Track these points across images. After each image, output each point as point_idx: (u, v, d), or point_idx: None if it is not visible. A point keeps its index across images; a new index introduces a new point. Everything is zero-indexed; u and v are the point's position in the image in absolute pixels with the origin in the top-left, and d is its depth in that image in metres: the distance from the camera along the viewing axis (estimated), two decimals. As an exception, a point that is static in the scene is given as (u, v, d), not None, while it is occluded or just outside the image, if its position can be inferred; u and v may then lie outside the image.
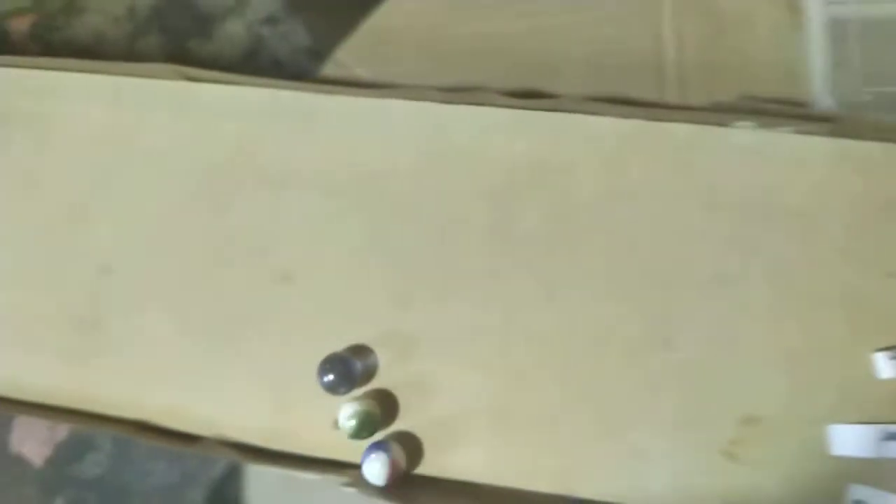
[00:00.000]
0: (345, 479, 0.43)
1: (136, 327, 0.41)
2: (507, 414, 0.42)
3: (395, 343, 0.41)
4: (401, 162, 0.40)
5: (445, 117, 0.40)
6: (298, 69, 0.84)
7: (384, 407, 0.45)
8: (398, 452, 0.47)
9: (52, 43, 0.86)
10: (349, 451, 0.42)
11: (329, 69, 0.41)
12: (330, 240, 0.39)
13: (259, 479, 0.59)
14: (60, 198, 0.42)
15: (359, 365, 0.43)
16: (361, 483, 0.41)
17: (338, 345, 0.41)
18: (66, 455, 0.82)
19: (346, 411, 0.43)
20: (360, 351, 0.45)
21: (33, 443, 0.82)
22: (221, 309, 0.41)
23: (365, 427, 0.44)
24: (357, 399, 0.45)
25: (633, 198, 0.41)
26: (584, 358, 0.42)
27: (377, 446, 0.45)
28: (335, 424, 0.45)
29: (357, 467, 0.42)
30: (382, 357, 0.42)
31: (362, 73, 0.41)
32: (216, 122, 0.40)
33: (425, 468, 0.46)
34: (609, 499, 0.43)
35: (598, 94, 0.40)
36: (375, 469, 0.42)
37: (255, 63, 0.85)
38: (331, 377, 0.42)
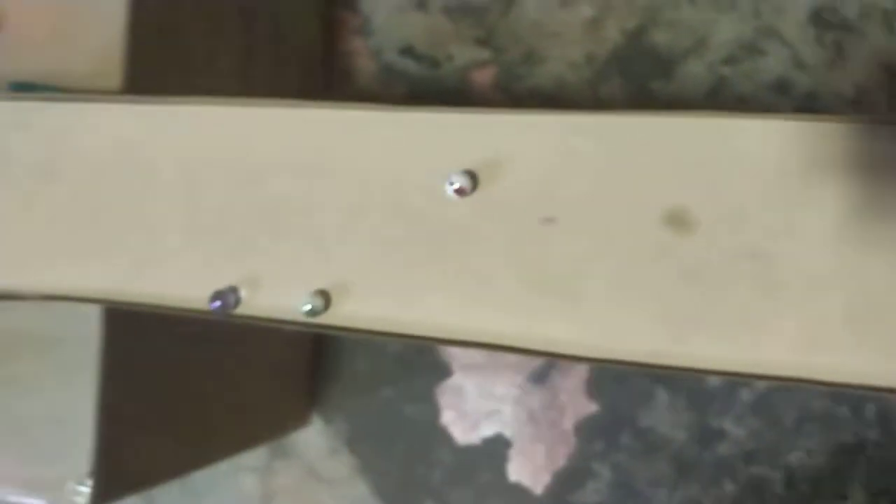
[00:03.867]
0: None
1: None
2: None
3: None
4: None
5: None
6: (764, 104, 0.88)
7: None
8: None
9: (515, 92, 0.92)
10: None
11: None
12: None
13: None
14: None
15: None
16: None
17: None
18: (566, 483, 0.86)
19: None
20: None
21: (532, 471, 0.86)
22: None
23: None
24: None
25: None
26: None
27: None
28: None
29: None
30: None
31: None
32: None
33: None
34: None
35: None
36: None
37: (717, 101, 0.89)
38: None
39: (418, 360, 0.90)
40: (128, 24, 0.58)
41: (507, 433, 0.87)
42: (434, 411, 0.88)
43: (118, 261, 0.52)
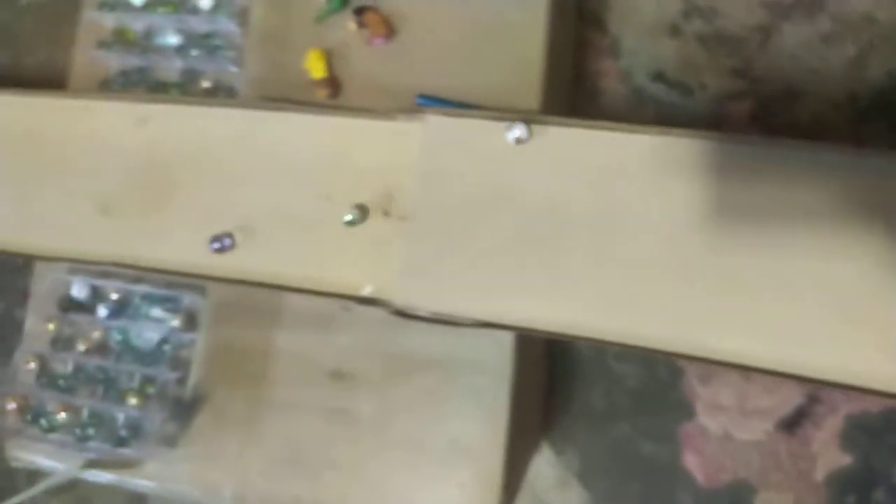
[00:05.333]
0: None
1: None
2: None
3: None
4: None
5: None
6: None
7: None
8: None
9: (772, 126, 0.89)
10: None
11: None
12: None
13: None
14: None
15: None
16: None
17: None
18: None
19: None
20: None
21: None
22: None
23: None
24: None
25: None
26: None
27: None
28: None
29: None
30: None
31: None
32: None
33: None
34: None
35: None
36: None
37: None
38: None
39: (659, 397, 0.87)
40: (547, 41, 0.55)
41: (753, 480, 0.85)
42: (675, 451, 0.86)
43: (584, 296, 0.49)
